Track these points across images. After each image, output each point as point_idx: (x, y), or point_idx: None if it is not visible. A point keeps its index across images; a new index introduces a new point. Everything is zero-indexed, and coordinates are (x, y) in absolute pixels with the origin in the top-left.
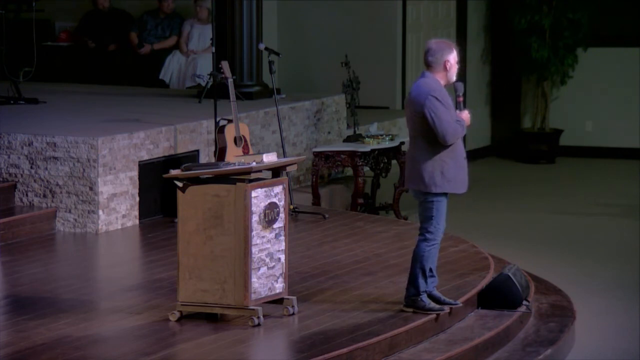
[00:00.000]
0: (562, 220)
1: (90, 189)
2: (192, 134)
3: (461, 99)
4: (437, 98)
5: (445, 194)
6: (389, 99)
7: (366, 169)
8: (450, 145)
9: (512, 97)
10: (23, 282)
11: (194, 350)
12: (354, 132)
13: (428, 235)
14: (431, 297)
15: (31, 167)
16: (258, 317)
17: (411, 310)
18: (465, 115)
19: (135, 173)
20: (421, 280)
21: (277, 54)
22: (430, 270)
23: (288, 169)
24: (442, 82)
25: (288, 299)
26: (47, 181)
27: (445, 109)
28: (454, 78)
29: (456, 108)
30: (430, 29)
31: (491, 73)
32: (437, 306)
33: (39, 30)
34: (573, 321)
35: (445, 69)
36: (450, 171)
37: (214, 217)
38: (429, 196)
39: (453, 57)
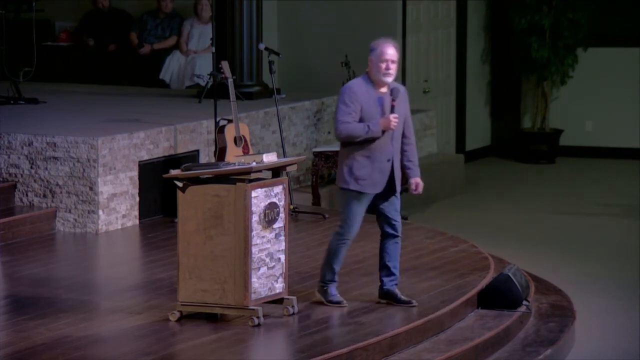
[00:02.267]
0: (562, 220)
1: (90, 189)
2: (192, 134)
3: (394, 103)
4: (344, 94)
5: (358, 192)
6: None
7: None
8: (365, 144)
9: (512, 97)
10: (23, 282)
11: (194, 350)
12: None
13: (339, 230)
14: (388, 294)
15: (31, 167)
16: (258, 317)
17: (320, 297)
18: (385, 118)
19: (135, 173)
20: (326, 270)
21: (277, 54)
22: (388, 268)
23: (288, 169)
24: (375, 81)
25: (288, 299)
26: (47, 181)
27: (347, 106)
28: (381, 78)
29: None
30: (430, 29)
31: (491, 73)
32: (337, 299)
33: (39, 30)
34: (573, 321)
35: (370, 67)
36: (361, 170)
37: (214, 217)
38: (341, 191)
39: (375, 56)
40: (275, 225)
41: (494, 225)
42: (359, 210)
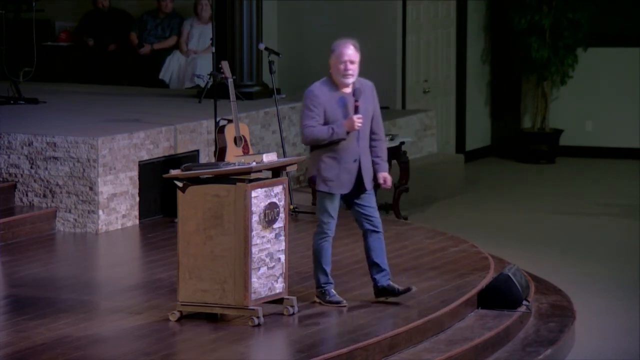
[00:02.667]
0: (562, 220)
1: (90, 189)
2: (192, 134)
3: (357, 103)
4: (306, 99)
5: (328, 193)
6: (389, 99)
7: None
8: (332, 145)
9: (512, 97)
10: (23, 282)
11: (194, 350)
12: None
13: (317, 229)
14: (385, 290)
15: (31, 167)
16: (258, 317)
17: (319, 301)
18: (348, 119)
19: (135, 173)
20: (318, 274)
21: (277, 54)
22: (377, 264)
23: (288, 169)
24: (337, 82)
25: (288, 299)
26: (47, 181)
27: (310, 111)
28: (341, 79)
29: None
30: (430, 29)
31: (491, 73)
32: (336, 299)
33: (39, 30)
34: (573, 321)
35: (331, 69)
36: (329, 172)
37: (214, 217)
38: (317, 191)
39: (335, 57)
40: (275, 225)
41: (494, 225)
42: (332, 207)
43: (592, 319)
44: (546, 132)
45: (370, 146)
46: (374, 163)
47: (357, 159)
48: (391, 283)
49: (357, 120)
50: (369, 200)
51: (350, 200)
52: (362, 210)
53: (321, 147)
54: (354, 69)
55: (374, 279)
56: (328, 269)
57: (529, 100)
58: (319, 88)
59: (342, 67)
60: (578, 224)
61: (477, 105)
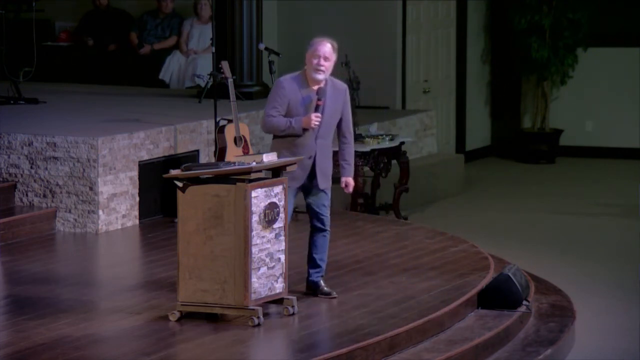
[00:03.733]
0: (562, 220)
1: (90, 189)
2: (192, 134)
3: (319, 102)
4: (273, 88)
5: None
6: (389, 99)
7: (366, 169)
8: (290, 139)
9: (512, 97)
10: (23, 282)
11: (194, 350)
12: (354, 132)
13: None
14: (313, 285)
15: (31, 167)
16: (258, 317)
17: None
18: (307, 117)
19: (135, 173)
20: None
21: (277, 54)
22: (315, 260)
23: (288, 169)
24: (309, 78)
25: (288, 299)
26: (47, 181)
27: (274, 100)
28: (313, 75)
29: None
30: (430, 29)
31: (491, 73)
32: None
33: (39, 30)
34: (573, 321)
35: (305, 63)
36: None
37: (214, 217)
38: None
39: (310, 52)
40: (275, 225)
41: (494, 225)
42: (288, 199)
43: (592, 319)
44: (546, 132)
45: (340, 149)
46: (340, 166)
47: (312, 156)
48: (321, 282)
49: (315, 118)
50: (323, 199)
51: (305, 195)
52: (314, 208)
53: (281, 139)
54: (326, 66)
55: (308, 272)
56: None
57: (529, 100)
58: (288, 81)
59: (315, 61)
60: (578, 224)
61: (477, 105)
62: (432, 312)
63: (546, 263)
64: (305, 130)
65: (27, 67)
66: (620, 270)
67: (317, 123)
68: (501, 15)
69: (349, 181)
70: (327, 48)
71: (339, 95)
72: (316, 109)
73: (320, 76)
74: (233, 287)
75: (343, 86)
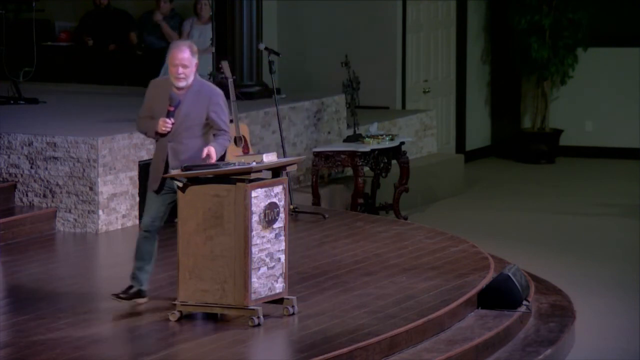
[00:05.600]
0: (562, 220)
1: (90, 189)
2: None
3: (170, 108)
4: (148, 87)
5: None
6: (389, 99)
7: (366, 169)
8: (156, 142)
9: (512, 97)
10: (23, 282)
11: (194, 350)
12: (354, 132)
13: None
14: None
15: (31, 167)
16: (258, 317)
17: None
18: (157, 121)
19: (135, 173)
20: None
21: (277, 54)
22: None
23: (288, 169)
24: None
25: (288, 299)
26: (47, 181)
27: (144, 102)
28: (174, 82)
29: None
30: (430, 29)
31: (491, 73)
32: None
33: (39, 30)
34: (573, 321)
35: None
36: (151, 166)
37: (214, 217)
38: None
39: (168, 59)
40: (275, 225)
41: (494, 225)
42: (149, 202)
43: (592, 319)
44: (546, 132)
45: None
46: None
47: (164, 159)
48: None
49: (163, 123)
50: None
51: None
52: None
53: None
54: (186, 73)
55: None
56: (139, 264)
57: (529, 100)
58: (158, 82)
59: (174, 70)
60: (578, 224)
61: (477, 105)
62: (432, 312)
63: (546, 263)
64: (158, 134)
65: (27, 67)
66: (620, 270)
67: (165, 128)
68: (501, 15)
69: (210, 150)
70: (185, 55)
71: (202, 100)
72: (168, 114)
73: (181, 84)
74: (233, 287)
75: (211, 91)
